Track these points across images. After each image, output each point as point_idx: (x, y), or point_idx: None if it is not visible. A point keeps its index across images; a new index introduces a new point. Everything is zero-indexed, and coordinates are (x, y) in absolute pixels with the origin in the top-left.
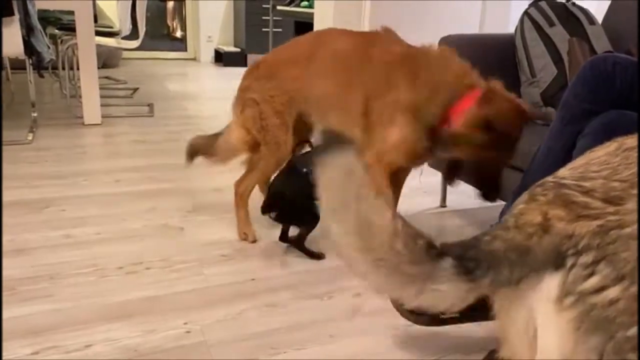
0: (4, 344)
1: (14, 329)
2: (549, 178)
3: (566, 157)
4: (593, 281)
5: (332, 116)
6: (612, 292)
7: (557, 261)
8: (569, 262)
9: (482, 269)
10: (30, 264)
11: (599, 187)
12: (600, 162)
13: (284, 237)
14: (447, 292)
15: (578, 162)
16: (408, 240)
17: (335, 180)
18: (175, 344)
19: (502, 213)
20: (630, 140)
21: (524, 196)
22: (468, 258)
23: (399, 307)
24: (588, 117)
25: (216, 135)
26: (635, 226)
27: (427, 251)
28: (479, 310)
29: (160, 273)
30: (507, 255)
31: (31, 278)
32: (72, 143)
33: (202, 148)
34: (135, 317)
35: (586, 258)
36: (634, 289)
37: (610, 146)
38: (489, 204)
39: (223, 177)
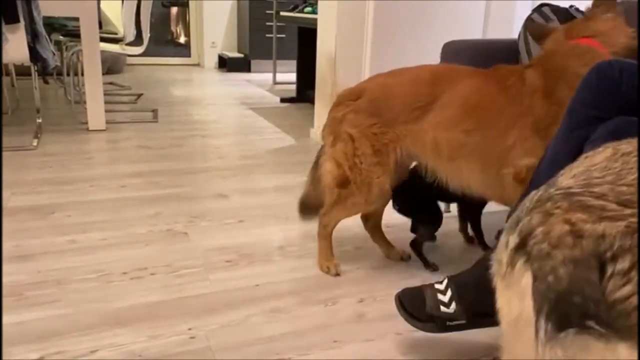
0: (10, 349)
1: (20, 334)
2: (553, 191)
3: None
4: (626, 290)
5: (468, 167)
6: (635, 299)
7: (599, 266)
8: (609, 269)
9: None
10: (37, 270)
11: (609, 192)
12: (600, 168)
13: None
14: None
15: (577, 170)
16: None
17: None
18: (180, 349)
19: (509, 217)
20: (625, 146)
21: (537, 217)
22: (605, 323)
23: (403, 312)
24: (594, 123)
25: (314, 172)
26: None
27: None
28: (484, 317)
29: (165, 278)
30: (579, 273)
31: (37, 283)
32: (77, 149)
33: (314, 198)
34: (140, 322)
35: (623, 264)
36: None
37: (605, 152)
38: (492, 209)
39: (228, 182)
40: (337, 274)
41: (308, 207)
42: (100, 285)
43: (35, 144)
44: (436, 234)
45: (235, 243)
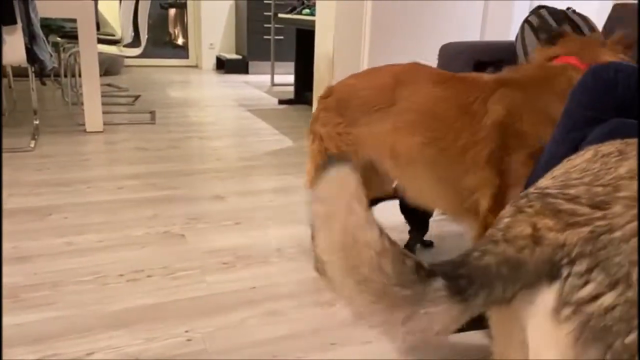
0: (7, 351)
1: (16, 336)
2: (531, 189)
3: None
4: (588, 289)
5: (422, 181)
6: (608, 299)
7: (551, 272)
8: (564, 272)
9: (474, 287)
10: (33, 272)
11: (584, 194)
12: (579, 169)
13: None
14: (440, 314)
15: (557, 172)
16: (395, 261)
17: (327, 192)
18: (177, 351)
19: None
20: (606, 147)
21: (509, 209)
22: (459, 276)
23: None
24: (590, 124)
25: None
26: (625, 229)
27: (417, 272)
28: (483, 319)
29: (161, 281)
30: (500, 271)
31: (34, 285)
32: (74, 150)
33: None
34: (136, 324)
35: (580, 266)
36: (630, 293)
37: (585, 154)
38: None
39: (225, 184)
40: None
41: None
42: (97, 288)
43: (32, 145)
44: (432, 237)
45: (232, 245)
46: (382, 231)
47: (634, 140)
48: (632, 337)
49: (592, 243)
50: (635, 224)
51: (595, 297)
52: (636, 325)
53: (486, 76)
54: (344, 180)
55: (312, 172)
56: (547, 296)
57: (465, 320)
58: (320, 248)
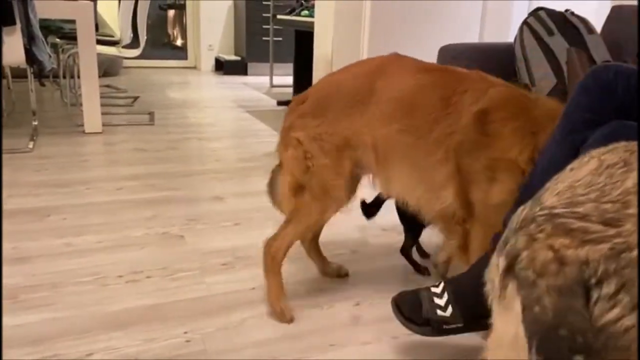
0: (6, 352)
1: (15, 337)
2: (537, 211)
3: None
4: (615, 312)
5: (399, 173)
6: (627, 321)
7: (584, 293)
8: (594, 295)
9: (579, 338)
10: (32, 273)
11: (593, 211)
12: (585, 183)
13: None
14: None
15: (561, 186)
16: None
17: None
18: (176, 352)
19: (505, 221)
20: (610, 157)
21: (522, 240)
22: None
23: (400, 316)
24: (590, 126)
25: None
26: None
27: None
28: (481, 320)
29: (160, 281)
30: (567, 305)
31: (32, 286)
32: (73, 151)
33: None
34: (135, 325)
35: (608, 288)
36: None
37: (590, 163)
38: None
39: (224, 185)
40: (292, 319)
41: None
42: (96, 288)
43: (31, 146)
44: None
45: (232, 246)
46: None
47: (634, 146)
48: None
49: (615, 261)
50: None
51: (618, 319)
52: None
53: (473, 73)
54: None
55: (291, 182)
56: None
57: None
58: None
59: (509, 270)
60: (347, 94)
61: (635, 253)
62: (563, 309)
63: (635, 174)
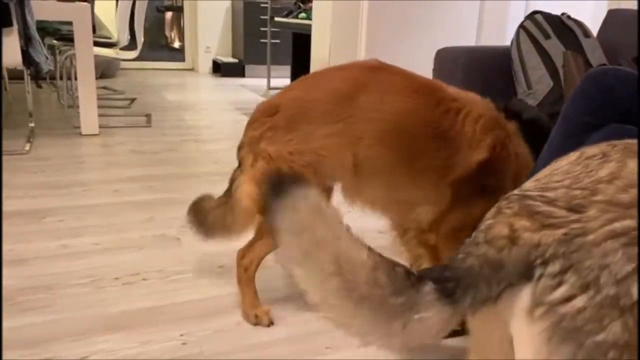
0: (2, 354)
1: (11, 339)
2: (515, 191)
3: None
4: (561, 291)
5: (375, 189)
6: (580, 301)
7: (527, 272)
8: (537, 272)
9: (461, 288)
10: (28, 275)
11: (562, 197)
12: (562, 171)
13: None
14: (432, 318)
15: (542, 174)
16: (389, 270)
17: (302, 222)
18: (173, 355)
19: None
20: (591, 149)
21: (492, 211)
22: (446, 279)
23: None
24: (589, 130)
25: (224, 199)
26: (598, 233)
27: (407, 278)
28: None
29: (157, 284)
30: (483, 272)
31: (29, 288)
32: (69, 153)
33: (214, 221)
34: (132, 328)
35: (553, 267)
36: (599, 297)
37: (572, 156)
38: None
39: (221, 187)
40: (271, 322)
41: (201, 218)
42: (93, 291)
43: (27, 148)
44: None
45: (228, 248)
46: (369, 247)
47: (622, 142)
48: (602, 336)
49: (565, 245)
50: (608, 228)
51: (567, 299)
52: (606, 325)
53: (466, 99)
54: (315, 205)
55: (258, 195)
56: (522, 296)
57: (457, 322)
58: (308, 281)
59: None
60: (323, 113)
61: (590, 238)
62: (478, 273)
63: (610, 165)
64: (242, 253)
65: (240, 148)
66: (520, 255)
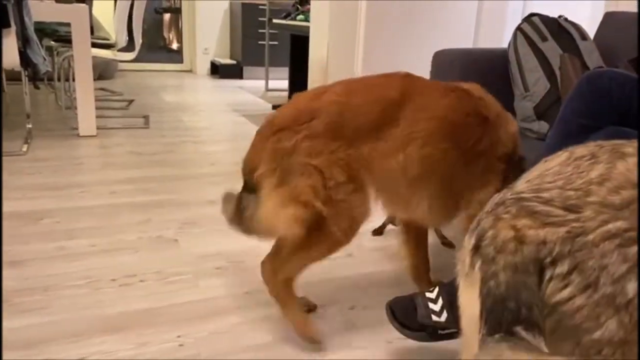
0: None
1: (8, 340)
2: (508, 195)
3: None
4: (567, 292)
5: (425, 192)
6: (579, 300)
7: (538, 271)
8: (547, 274)
9: (524, 314)
10: (25, 276)
11: (557, 197)
12: (553, 172)
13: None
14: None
15: (533, 174)
16: None
17: None
18: (169, 356)
19: None
20: (580, 150)
21: (489, 220)
22: (508, 326)
23: (395, 322)
24: (585, 132)
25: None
26: (596, 233)
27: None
28: None
29: (154, 285)
30: (516, 281)
31: (25, 290)
32: (67, 154)
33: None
34: (129, 329)
35: (562, 268)
36: (597, 296)
37: (561, 156)
38: None
39: (219, 188)
40: (320, 341)
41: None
42: (89, 292)
43: (25, 149)
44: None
45: (226, 250)
46: None
47: (609, 143)
48: (599, 333)
49: (570, 243)
50: (604, 229)
51: (570, 299)
52: (603, 322)
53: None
54: None
55: (304, 215)
56: None
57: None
58: None
59: (477, 249)
60: (372, 117)
61: (590, 238)
62: (516, 284)
63: (600, 166)
64: (273, 269)
65: (252, 169)
66: (530, 252)
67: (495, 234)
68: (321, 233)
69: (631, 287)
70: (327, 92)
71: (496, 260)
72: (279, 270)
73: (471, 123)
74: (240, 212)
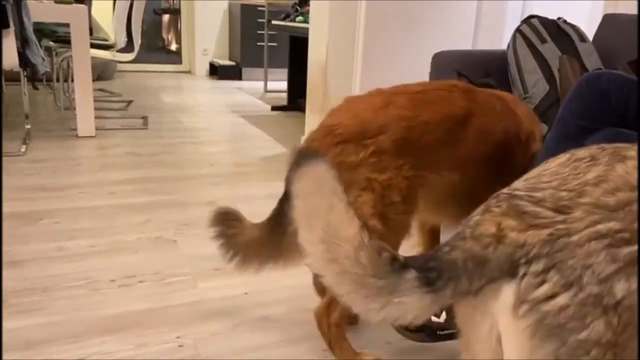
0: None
1: (7, 341)
2: (504, 190)
3: None
4: (544, 289)
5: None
6: (562, 299)
7: (511, 270)
8: (521, 270)
9: (443, 279)
10: (24, 277)
11: (549, 197)
12: (551, 172)
13: None
14: (411, 304)
15: (532, 174)
16: (372, 254)
17: (307, 189)
18: (168, 358)
19: None
20: (581, 152)
21: (480, 208)
22: (429, 269)
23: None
24: (584, 134)
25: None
26: (582, 234)
27: (391, 264)
28: None
29: (153, 286)
30: (466, 265)
31: (24, 290)
32: (65, 155)
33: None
34: (128, 330)
35: (536, 266)
36: (582, 295)
37: (562, 157)
38: None
39: (218, 190)
40: None
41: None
42: (88, 293)
43: (23, 149)
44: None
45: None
46: (361, 226)
47: (611, 146)
48: (585, 334)
49: (550, 245)
50: (592, 229)
51: (550, 297)
52: (589, 323)
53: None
54: (321, 176)
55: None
56: (507, 292)
57: (437, 309)
58: (304, 240)
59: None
60: (438, 135)
61: (574, 238)
62: (463, 265)
63: (598, 168)
64: (327, 309)
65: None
66: (505, 253)
67: (478, 221)
68: None
69: (620, 288)
70: (392, 104)
71: (465, 242)
72: (330, 310)
73: (515, 146)
74: (283, 227)
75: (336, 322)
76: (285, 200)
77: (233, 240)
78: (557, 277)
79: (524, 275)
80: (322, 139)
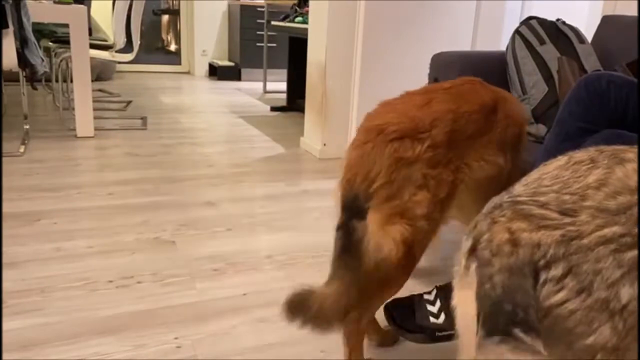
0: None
1: (4, 342)
2: (505, 197)
3: None
4: (561, 295)
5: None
6: (572, 304)
7: (533, 274)
8: (542, 276)
9: (520, 314)
10: (21, 277)
11: (553, 201)
12: (551, 176)
13: None
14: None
15: (531, 178)
16: None
17: None
18: (166, 358)
19: None
20: (579, 155)
21: (486, 222)
22: (506, 327)
23: (393, 324)
24: (583, 135)
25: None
26: (591, 237)
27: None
28: None
29: (151, 287)
30: (512, 284)
31: (22, 291)
32: (64, 155)
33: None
34: (126, 331)
35: (556, 271)
36: (590, 300)
37: (560, 160)
38: None
39: (216, 190)
40: None
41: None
42: (86, 294)
43: (22, 150)
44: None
45: (223, 251)
46: None
47: (610, 148)
48: (592, 339)
49: (564, 246)
50: (599, 233)
51: (564, 302)
52: (596, 328)
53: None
54: None
55: (405, 232)
56: None
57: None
58: None
59: (472, 251)
60: (477, 124)
61: (585, 242)
62: (511, 286)
63: (598, 171)
64: (359, 317)
65: (370, 181)
66: (525, 255)
67: (491, 237)
68: (410, 257)
69: (625, 293)
70: (433, 100)
71: (492, 263)
72: (361, 315)
73: (524, 128)
74: (350, 241)
75: (362, 331)
76: (341, 227)
77: (318, 316)
78: (574, 282)
79: (545, 282)
80: (374, 138)
